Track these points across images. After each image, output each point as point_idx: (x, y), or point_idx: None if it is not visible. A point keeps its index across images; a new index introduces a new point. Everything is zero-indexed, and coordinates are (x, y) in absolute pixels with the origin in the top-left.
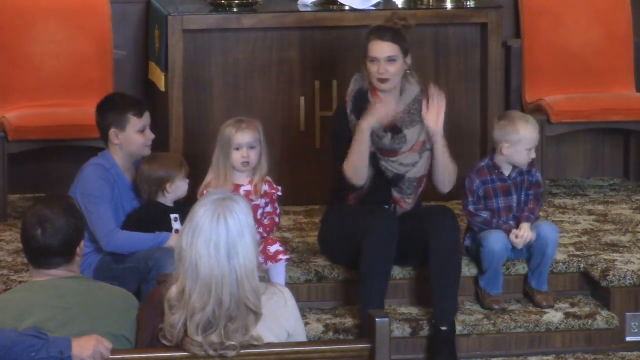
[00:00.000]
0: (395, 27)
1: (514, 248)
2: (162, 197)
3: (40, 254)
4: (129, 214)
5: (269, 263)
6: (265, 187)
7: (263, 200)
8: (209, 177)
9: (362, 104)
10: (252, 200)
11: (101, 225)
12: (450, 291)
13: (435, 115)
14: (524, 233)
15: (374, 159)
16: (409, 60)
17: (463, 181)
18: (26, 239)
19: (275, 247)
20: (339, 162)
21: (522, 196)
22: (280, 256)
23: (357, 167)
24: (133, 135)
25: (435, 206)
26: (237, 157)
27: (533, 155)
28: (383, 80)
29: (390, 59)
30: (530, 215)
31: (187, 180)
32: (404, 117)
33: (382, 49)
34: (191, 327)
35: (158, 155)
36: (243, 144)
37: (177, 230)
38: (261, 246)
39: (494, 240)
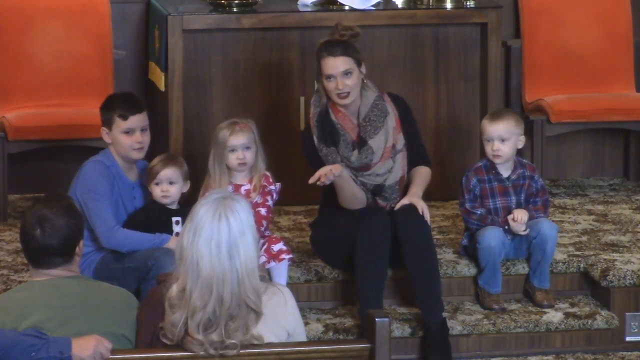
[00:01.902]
0: (343, 39)
1: (513, 237)
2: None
3: (39, 254)
4: (130, 214)
5: (272, 262)
6: (263, 182)
7: (259, 195)
8: (207, 180)
9: (326, 127)
10: (252, 199)
11: (101, 222)
12: (432, 291)
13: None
14: (519, 215)
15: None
16: (363, 69)
17: (460, 180)
18: (26, 239)
19: (278, 246)
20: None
21: (522, 199)
22: (283, 255)
23: (351, 200)
24: (118, 136)
25: (402, 208)
26: (232, 158)
27: (496, 148)
28: (343, 97)
29: (347, 73)
30: (533, 212)
31: (175, 184)
32: (366, 127)
33: (336, 65)
34: (192, 326)
35: (173, 156)
36: (238, 146)
37: (177, 233)
38: (265, 245)
39: (490, 237)
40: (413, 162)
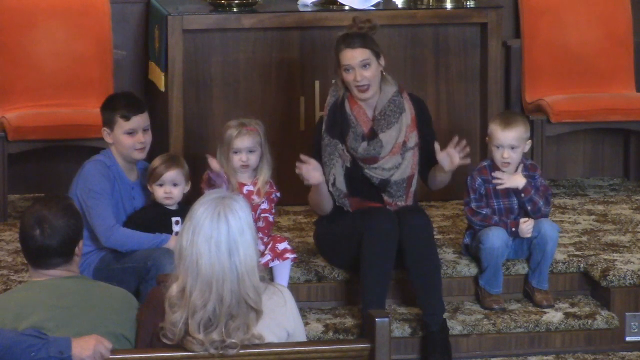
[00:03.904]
0: (361, 32)
1: (515, 238)
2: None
3: (39, 254)
4: (130, 214)
5: (276, 260)
6: (267, 187)
7: (266, 201)
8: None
9: (338, 117)
10: (253, 200)
11: (101, 221)
12: (433, 291)
13: (450, 161)
14: (530, 220)
15: (357, 167)
16: (382, 62)
17: (465, 180)
18: (25, 240)
19: (283, 245)
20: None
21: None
22: (288, 255)
23: (317, 205)
24: (120, 137)
25: (406, 207)
26: (236, 160)
27: (506, 155)
28: (364, 90)
29: (365, 64)
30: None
31: (177, 186)
32: (380, 121)
33: (353, 55)
34: (192, 325)
35: (175, 156)
36: (242, 149)
37: (177, 233)
38: (270, 244)
39: (494, 237)
40: (430, 166)
